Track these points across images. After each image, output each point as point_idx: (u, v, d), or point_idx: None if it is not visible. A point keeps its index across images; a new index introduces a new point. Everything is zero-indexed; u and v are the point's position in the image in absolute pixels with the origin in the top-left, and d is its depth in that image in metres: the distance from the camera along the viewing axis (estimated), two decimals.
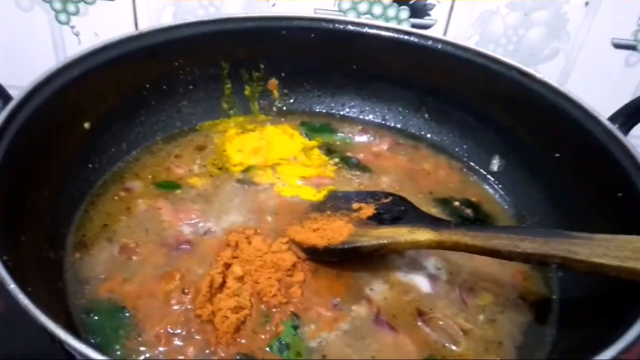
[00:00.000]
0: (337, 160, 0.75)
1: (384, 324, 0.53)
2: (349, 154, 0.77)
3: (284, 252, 0.57)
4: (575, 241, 0.47)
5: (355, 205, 0.61)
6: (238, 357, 0.49)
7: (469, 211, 0.69)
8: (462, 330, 0.54)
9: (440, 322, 0.54)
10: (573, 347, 0.51)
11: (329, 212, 0.61)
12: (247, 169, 0.71)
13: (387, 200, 0.62)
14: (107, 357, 0.35)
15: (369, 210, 0.60)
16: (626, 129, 0.65)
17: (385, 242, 0.55)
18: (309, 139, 0.79)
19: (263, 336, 0.51)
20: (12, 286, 0.38)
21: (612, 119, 0.64)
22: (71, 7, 0.82)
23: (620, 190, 0.56)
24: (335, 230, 0.57)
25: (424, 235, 0.54)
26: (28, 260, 0.49)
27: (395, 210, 0.60)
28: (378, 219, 0.59)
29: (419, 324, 0.54)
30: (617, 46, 0.90)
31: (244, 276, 0.54)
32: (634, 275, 0.44)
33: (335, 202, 0.64)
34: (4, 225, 0.47)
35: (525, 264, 0.57)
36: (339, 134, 0.81)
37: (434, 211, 0.68)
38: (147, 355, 0.48)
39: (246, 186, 0.69)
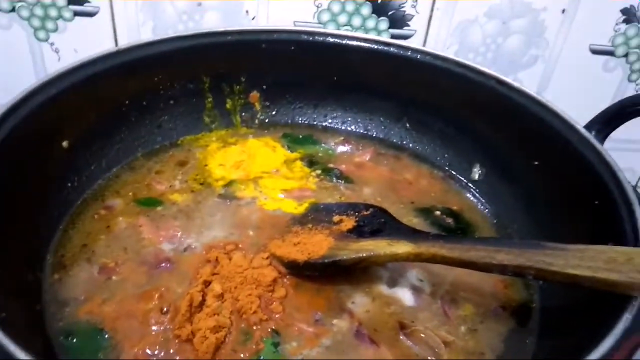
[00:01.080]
0: (319, 172, 0.75)
1: (365, 337, 0.53)
2: (331, 165, 0.77)
3: (265, 267, 0.57)
4: (550, 252, 0.47)
5: (336, 218, 0.61)
6: None
7: (450, 220, 0.70)
8: (443, 343, 0.54)
9: (422, 335, 0.54)
10: (553, 355, 0.51)
11: (310, 225, 0.61)
12: (229, 184, 0.71)
13: (368, 212, 0.62)
14: None
15: (349, 222, 0.60)
16: (602, 136, 0.66)
17: (365, 255, 0.55)
18: (291, 151, 0.79)
19: (243, 354, 0.50)
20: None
21: (588, 126, 0.65)
22: (50, 24, 0.82)
23: (597, 198, 0.56)
24: (316, 244, 0.57)
25: (402, 247, 0.54)
26: (4, 284, 0.49)
27: (376, 222, 0.60)
28: (358, 232, 0.59)
29: (401, 337, 0.54)
30: (595, 52, 0.91)
31: (223, 293, 0.53)
32: (606, 285, 0.44)
33: (317, 215, 0.64)
34: None
35: (500, 275, 0.57)
36: (321, 146, 0.81)
37: (415, 221, 0.68)
38: None
39: (228, 201, 0.68)
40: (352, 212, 0.62)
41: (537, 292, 0.60)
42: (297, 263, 0.57)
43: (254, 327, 0.52)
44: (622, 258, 0.44)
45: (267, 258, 0.58)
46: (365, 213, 0.62)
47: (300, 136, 0.82)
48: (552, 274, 0.46)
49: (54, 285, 0.55)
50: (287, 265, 0.58)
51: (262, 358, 0.50)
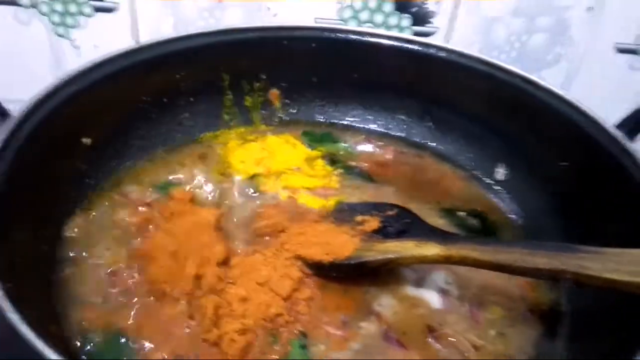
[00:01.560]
0: (341, 170, 0.74)
1: (394, 340, 0.52)
2: (352, 163, 0.76)
3: (289, 267, 0.56)
4: (585, 256, 0.46)
5: (359, 218, 0.61)
6: None
7: (474, 222, 0.69)
8: (473, 347, 0.53)
9: (451, 339, 0.53)
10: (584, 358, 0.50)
11: (333, 225, 0.61)
12: (252, 177, 0.71)
13: (393, 212, 0.61)
14: None
15: (374, 223, 0.59)
16: (632, 135, 0.64)
17: (392, 257, 0.54)
18: (312, 149, 0.78)
19: (271, 356, 0.50)
20: (11, 315, 0.37)
21: (619, 126, 0.63)
22: (70, 20, 0.82)
23: (630, 200, 0.55)
24: (341, 245, 0.57)
25: (431, 249, 0.53)
26: (25, 284, 0.48)
27: (401, 223, 0.59)
28: (383, 233, 0.58)
29: (429, 340, 0.53)
30: (621, 51, 0.90)
31: (247, 296, 0.53)
32: None
33: (340, 215, 0.63)
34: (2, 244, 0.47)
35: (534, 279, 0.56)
36: (341, 144, 0.80)
37: (441, 222, 0.67)
38: None
39: (252, 193, 0.68)
40: (376, 212, 0.61)
41: (565, 296, 0.59)
42: (323, 264, 0.56)
43: (281, 329, 0.52)
44: None
45: (290, 258, 0.57)
46: (390, 213, 0.61)
47: (320, 134, 0.81)
48: (589, 278, 0.45)
49: (73, 286, 0.55)
50: (311, 267, 0.57)
51: (291, 359, 0.49)
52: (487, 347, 0.53)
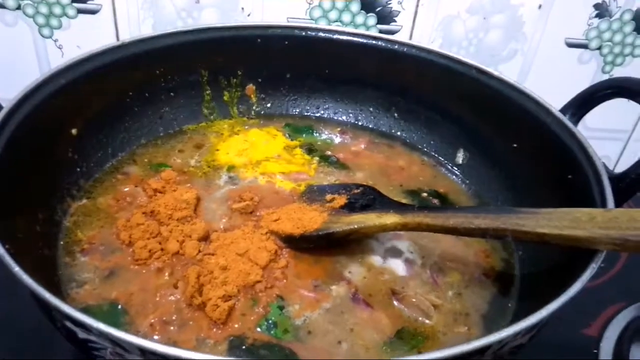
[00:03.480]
0: (317, 158, 0.80)
1: (361, 301, 0.58)
2: (329, 152, 0.82)
3: (265, 240, 0.61)
4: (522, 215, 0.53)
5: (329, 197, 0.66)
6: (231, 338, 0.53)
7: (436, 201, 0.75)
8: (433, 306, 0.59)
9: (413, 300, 0.59)
10: (531, 313, 0.56)
11: (305, 204, 0.66)
12: (231, 168, 0.76)
13: (358, 190, 0.67)
14: (128, 333, 0.37)
15: (341, 200, 0.65)
16: (576, 118, 0.71)
17: (356, 226, 0.60)
18: (292, 139, 0.83)
19: (252, 317, 0.54)
20: (17, 269, 0.41)
21: (563, 110, 0.70)
22: (54, 21, 0.86)
23: (570, 173, 0.62)
24: (310, 220, 0.62)
25: (390, 218, 0.59)
26: (26, 256, 0.52)
27: (365, 199, 0.65)
28: (350, 208, 0.64)
29: (394, 302, 0.59)
30: (570, 45, 0.97)
31: (227, 265, 0.57)
32: (572, 241, 0.49)
33: (311, 195, 0.69)
34: (2, 220, 0.51)
35: (482, 238, 0.62)
36: (320, 135, 0.86)
37: (404, 202, 0.72)
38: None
39: (231, 180, 0.74)
40: (343, 191, 0.67)
41: (516, 261, 0.65)
42: (294, 236, 0.61)
43: (260, 294, 0.57)
44: (585, 217, 0.49)
45: (265, 233, 0.63)
46: (356, 191, 0.67)
47: (301, 126, 0.87)
48: (524, 233, 0.52)
49: (67, 265, 0.59)
50: (284, 239, 0.62)
51: (269, 319, 0.54)
52: (446, 306, 0.59)
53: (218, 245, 0.60)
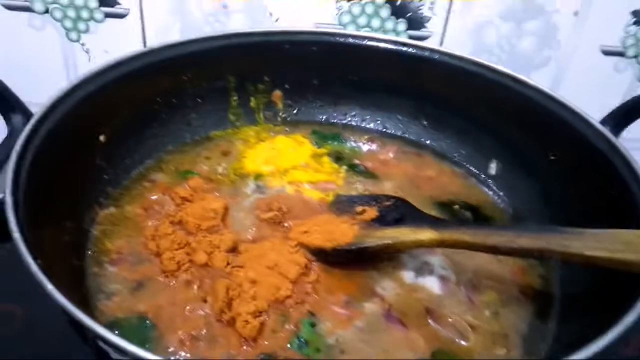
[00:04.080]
0: (345, 167, 0.78)
1: (395, 320, 0.56)
2: (356, 161, 0.80)
3: (294, 253, 0.60)
4: (567, 236, 0.50)
5: (358, 209, 0.64)
6: (261, 357, 0.51)
7: (468, 214, 0.72)
8: (470, 327, 0.56)
9: (450, 319, 0.57)
10: (574, 338, 0.53)
11: (334, 215, 0.64)
12: (258, 176, 0.75)
13: (389, 202, 0.65)
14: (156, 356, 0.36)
15: (372, 212, 0.63)
16: (617, 130, 0.68)
17: (390, 242, 0.58)
18: (319, 147, 0.82)
19: (282, 335, 0.53)
20: (51, 287, 0.40)
21: (603, 121, 0.67)
22: (81, 26, 0.85)
23: (613, 189, 0.59)
24: (341, 233, 0.60)
25: (426, 234, 0.57)
26: (56, 269, 0.51)
27: (397, 212, 0.63)
28: (381, 221, 0.62)
29: (429, 321, 0.57)
30: (606, 53, 0.94)
31: (257, 279, 0.56)
32: (624, 265, 0.47)
33: (340, 206, 0.67)
34: (32, 232, 0.50)
35: (522, 258, 0.60)
36: (347, 143, 0.84)
37: (435, 214, 0.70)
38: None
39: (259, 189, 0.72)
40: (374, 203, 0.65)
41: (556, 280, 0.63)
42: (325, 250, 0.60)
43: (290, 310, 0.55)
44: (638, 240, 0.47)
45: (295, 246, 0.61)
46: (387, 203, 0.65)
47: (328, 134, 0.85)
48: (571, 255, 0.49)
49: (96, 276, 0.58)
50: (315, 253, 0.60)
51: (301, 337, 0.53)
52: (483, 327, 0.57)
53: (247, 257, 0.59)
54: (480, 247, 0.55)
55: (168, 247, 0.59)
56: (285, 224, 0.65)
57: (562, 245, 0.49)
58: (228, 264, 0.58)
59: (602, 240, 0.48)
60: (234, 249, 0.60)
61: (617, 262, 0.47)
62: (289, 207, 0.67)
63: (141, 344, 0.49)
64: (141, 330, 0.52)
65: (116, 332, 0.51)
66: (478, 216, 0.73)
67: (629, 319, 0.43)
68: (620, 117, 0.68)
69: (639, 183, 0.56)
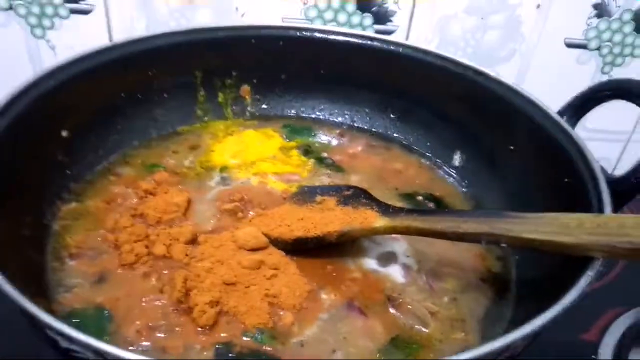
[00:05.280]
0: (313, 160, 0.79)
1: (355, 308, 0.57)
2: (325, 154, 0.81)
3: (252, 240, 0.60)
4: (510, 220, 0.52)
5: (318, 199, 0.65)
6: (218, 346, 0.51)
7: (431, 205, 0.73)
8: (429, 313, 0.57)
9: (409, 307, 0.58)
10: (528, 319, 0.55)
11: (295, 206, 0.65)
12: (224, 168, 0.75)
13: (349, 192, 0.66)
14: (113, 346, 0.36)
15: (331, 202, 0.64)
16: (574, 120, 0.70)
17: (345, 230, 0.59)
18: (288, 140, 0.82)
19: (239, 324, 0.53)
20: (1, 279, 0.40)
21: (560, 112, 0.69)
22: (46, 22, 0.85)
23: (567, 176, 0.61)
24: (298, 222, 0.61)
25: (379, 222, 0.58)
26: (11, 262, 0.51)
27: (355, 201, 0.64)
28: None
29: (390, 309, 0.58)
30: (569, 45, 0.96)
31: (212, 268, 0.56)
32: (560, 247, 0.49)
33: (302, 197, 0.68)
34: None
35: (473, 243, 0.61)
36: (318, 137, 0.85)
37: (400, 205, 0.71)
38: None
39: (225, 178, 0.73)
40: (333, 193, 0.66)
41: (513, 267, 0.64)
42: (285, 240, 0.60)
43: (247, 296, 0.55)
44: (574, 223, 0.48)
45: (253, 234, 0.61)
46: (346, 193, 0.66)
47: (299, 127, 0.85)
48: (512, 239, 0.51)
49: (54, 270, 0.58)
50: (273, 242, 0.61)
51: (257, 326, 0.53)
52: (442, 312, 0.58)
53: (205, 248, 0.59)
54: (429, 233, 0.57)
55: (126, 240, 0.59)
56: (247, 215, 0.66)
57: (504, 229, 0.51)
58: (187, 255, 0.58)
59: (542, 223, 0.50)
60: (193, 241, 0.60)
61: (554, 244, 0.49)
62: (251, 197, 0.68)
63: (98, 335, 0.49)
64: (98, 321, 0.52)
65: (73, 321, 0.51)
66: (440, 206, 0.74)
67: (569, 298, 0.44)
68: (577, 107, 0.69)
69: (590, 171, 0.58)
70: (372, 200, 0.64)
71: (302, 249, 0.61)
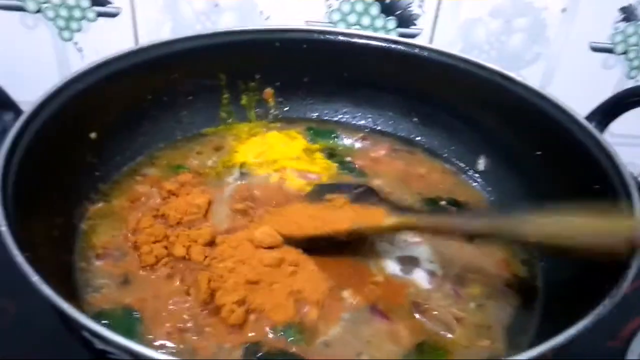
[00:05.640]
0: (336, 164, 0.79)
1: (379, 312, 0.57)
2: (348, 158, 0.81)
3: (268, 238, 0.60)
4: (518, 221, 0.52)
5: (328, 196, 0.65)
6: (247, 345, 0.52)
7: (453, 209, 0.73)
8: (455, 319, 0.57)
9: (435, 312, 0.58)
10: (556, 328, 0.54)
11: (307, 204, 0.66)
12: (244, 165, 0.76)
13: (359, 190, 0.66)
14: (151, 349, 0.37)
15: (340, 200, 0.64)
16: (602, 126, 0.69)
17: (355, 227, 0.60)
18: (313, 143, 0.83)
19: (267, 322, 0.54)
20: (36, 278, 0.40)
21: (588, 117, 0.68)
22: (74, 25, 0.86)
23: (596, 183, 0.60)
24: (308, 220, 0.62)
25: (387, 220, 0.59)
26: (44, 263, 0.52)
27: (365, 199, 0.64)
28: None
29: (415, 315, 0.58)
30: (595, 49, 0.95)
31: (235, 268, 0.56)
32: (561, 250, 0.51)
33: (314, 195, 0.68)
34: (21, 227, 0.50)
35: (493, 247, 0.63)
36: (340, 140, 0.85)
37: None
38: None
39: (245, 175, 0.74)
40: (344, 191, 0.66)
41: (540, 272, 0.64)
42: (297, 238, 0.61)
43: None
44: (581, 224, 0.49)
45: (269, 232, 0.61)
46: (356, 192, 0.66)
47: (323, 130, 0.85)
48: (517, 239, 0.53)
49: (82, 271, 0.58)
50: (287, 241, 0.61)
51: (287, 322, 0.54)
52: (468, 319, 0.57)
53: (224, 248, 0.59)
54: (439, 230, 0.58)
55: (145, 241, 0.59)
56: (256, 213, 0.66)
57: (509, 230, 0.52)
58: (206, 257, 0.59)
59: (545, 226, 0.50)
60: (211, 243, 0.61)
61: (554, 247, 0.50)
62: (262, 195, 0.69)
63: (129, 336, 0.49)
64: (127, 322, 0.53)
65: (103, 322, 0.52)
66: None
67: (601, 308, 0.44)
68: (606, 113, 0.69)
69: (620, 177, 0.57)
70: (381, 198, 0.64)
71: (314, 247, 0.61)
